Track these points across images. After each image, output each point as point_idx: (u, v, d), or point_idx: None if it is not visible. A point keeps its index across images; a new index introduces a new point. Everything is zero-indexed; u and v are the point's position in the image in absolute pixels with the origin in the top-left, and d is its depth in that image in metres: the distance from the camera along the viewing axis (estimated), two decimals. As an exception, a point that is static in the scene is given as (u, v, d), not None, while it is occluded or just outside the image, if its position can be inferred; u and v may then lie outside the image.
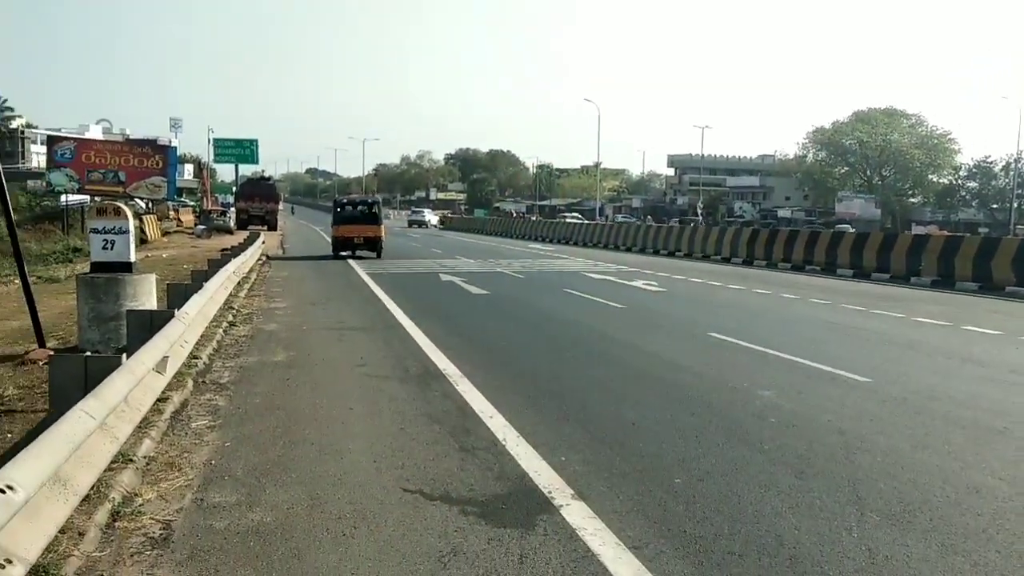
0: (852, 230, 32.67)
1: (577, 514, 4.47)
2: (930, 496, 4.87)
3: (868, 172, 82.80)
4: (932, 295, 17.68)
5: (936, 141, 79.52)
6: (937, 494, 4.91)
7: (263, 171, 74.50)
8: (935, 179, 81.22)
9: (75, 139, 51.22)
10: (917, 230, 49.23)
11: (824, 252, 24.11)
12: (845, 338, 11.27)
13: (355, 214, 28.60)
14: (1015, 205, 64.32)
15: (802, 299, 16.06)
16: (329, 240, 29.94)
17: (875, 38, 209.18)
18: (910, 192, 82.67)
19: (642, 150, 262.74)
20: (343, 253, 27.51)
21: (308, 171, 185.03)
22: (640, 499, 4.74)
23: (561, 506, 4.60)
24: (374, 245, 27.48)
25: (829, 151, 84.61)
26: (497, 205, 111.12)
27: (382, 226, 28.39)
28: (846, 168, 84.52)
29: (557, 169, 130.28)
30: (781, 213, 79.16)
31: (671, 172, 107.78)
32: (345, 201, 31.04)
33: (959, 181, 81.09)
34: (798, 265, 24.71)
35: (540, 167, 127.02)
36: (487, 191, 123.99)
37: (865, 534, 4.27)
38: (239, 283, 15.64)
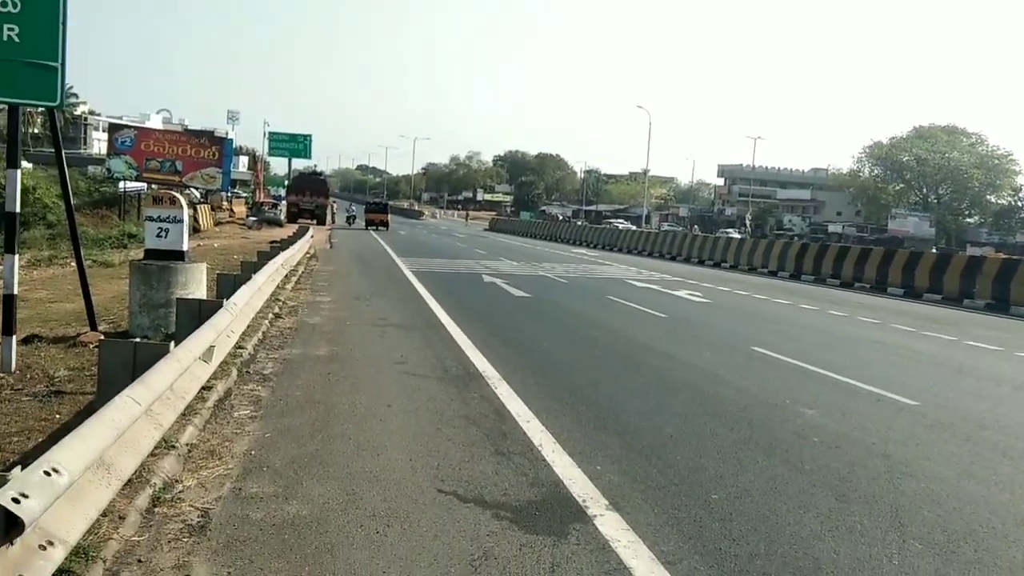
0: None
1: (611, 525, 4.44)
2: (975, 526, 4.73)
3: (924, 190, 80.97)
4: (985, 319, 17.22)
5: (996, 161, 77.52)
6: (983, 524, 4.77)
7: (315, 166, 75.75)
8: (993, 199, 79.16)
9: (136, 128, 52.55)
10: (972, 251, 47.95)
11: (875, 269, 23.62)
12: (893, 359, 11.02)
13: (376, 208, 58.21)
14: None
15: (850, 317, 15.76)
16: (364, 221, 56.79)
17: (935, 53, 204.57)
18: (967, 212, 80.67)
19: (692, 159, 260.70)
20: (370, 228, 53.14)
21: (359, 167, 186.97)
22: (676, 513, 4.69)
23: (595, 516, 4.56)
24: (385, 224, 54.44)
25: (885, 167, 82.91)
26: (543, 208, 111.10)
27: (389, 215, 57.79)
28: (901, 185, 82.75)
29: (605, 175, 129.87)
30: (832, 228, 77.86)
31: (720, 182, 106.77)
32: (371, 201, 67.64)
33: (1019, 202, 78.91)
34: (847, 282, 24.24)
35: (588, 172, 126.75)
36: (534, 194, 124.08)
37: (906, 562, 4.17)
38: (286, 276, 15.85)
